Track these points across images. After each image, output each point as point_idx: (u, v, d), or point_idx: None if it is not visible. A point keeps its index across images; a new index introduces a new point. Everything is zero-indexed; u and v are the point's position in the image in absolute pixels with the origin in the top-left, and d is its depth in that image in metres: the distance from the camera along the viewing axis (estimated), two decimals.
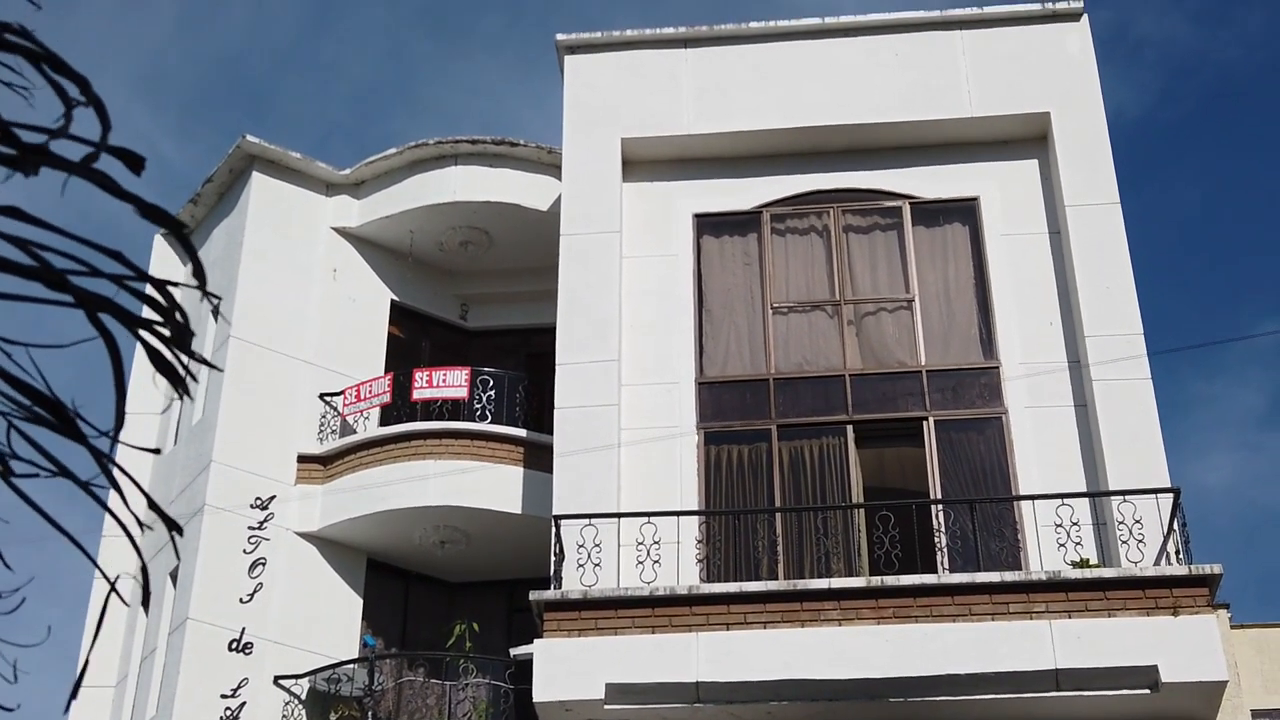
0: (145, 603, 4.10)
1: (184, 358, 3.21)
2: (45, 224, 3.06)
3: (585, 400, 16.86)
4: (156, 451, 3.68)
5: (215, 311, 3.91)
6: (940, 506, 16.26)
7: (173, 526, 3.36)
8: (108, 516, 3.36)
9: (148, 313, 3.20)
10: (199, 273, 3.33)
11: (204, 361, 3.29)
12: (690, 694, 14.68)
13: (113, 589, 3.25)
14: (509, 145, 20.71)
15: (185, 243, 3.33)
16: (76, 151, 3.12)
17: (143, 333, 3.13)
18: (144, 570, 3.38)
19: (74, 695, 3.51)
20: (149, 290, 3.24)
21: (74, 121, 3.10)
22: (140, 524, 3.47)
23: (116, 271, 3.12)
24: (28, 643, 3.40)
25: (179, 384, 3.23)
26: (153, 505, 3.33)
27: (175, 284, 3.22)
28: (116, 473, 3.13)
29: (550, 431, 17.18)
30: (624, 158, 18.55)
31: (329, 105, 49.31)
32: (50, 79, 3.13)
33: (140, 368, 16.06)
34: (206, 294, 3.35)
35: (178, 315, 3.19)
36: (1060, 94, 18.31)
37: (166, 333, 3.18)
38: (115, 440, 3.15)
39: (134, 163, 3.16)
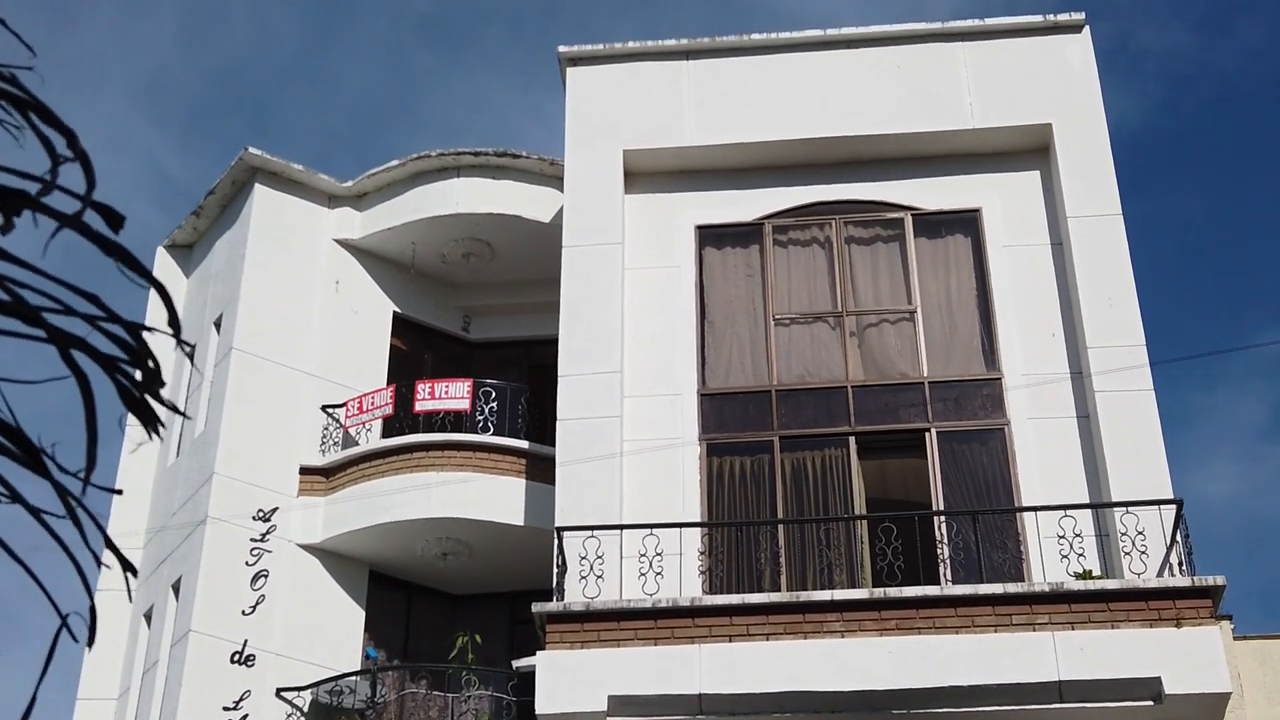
0: (90, 643, 4.10)
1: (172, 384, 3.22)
2: (23, 263, 3.06)
3: (587, 412, 16.86)
4: (119, 492, 3.69)
5: (191, 356, 3.91)
6: (943, 518, 16.25)
7: (127, 567, 3.37)
8: (108, 539, 3.36)
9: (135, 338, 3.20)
10: (174, 322, 3.33)
11: (173, 409, 3.30)
12: (693, 706, 14.67)
13: (64, 624, 3.25)
14: (511, 157, 20.71)
15: (164, 295, 3.32)
16: (62, 198, 3.12)
17: (117, 376, 3.14)
18: (92, 610, 3.36)
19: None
20: (149, 300, 3.25)
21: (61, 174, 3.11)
22: (98, 562, 3.47)
23: (93, 313, 3.12)
24: (25, 654, 3.39)
25: (150, 424, 3.23)
26: (110, 544, 3.33)
27: (150, 329, 3.23)
28: (81, 503, 3.14)
29: (552, 443, 17.18)
30: (626, 169, 18.56)
31: (331, 118, 49.33)
32: (37, 130, 3.12)
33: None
34: (181, 343, 3.35)
35: (150, 361, 3.20)
36: (1062, 105, 18.33)
37: (139, 374, 3.19)
38: (86, 482, 3.15)
39: (113, 220, 3.15)
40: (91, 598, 3.35)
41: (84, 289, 3.11)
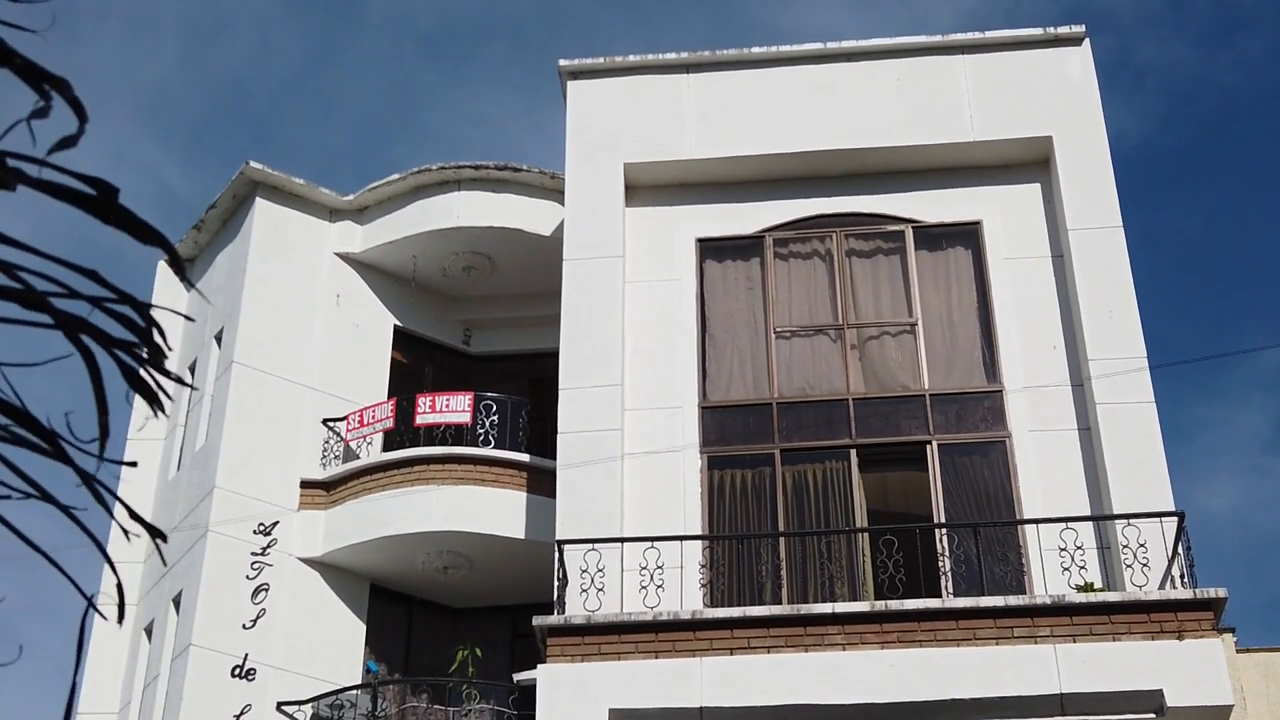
0: (120, 618, 4.14)
1: (173, 370, 3.21)
2: (19, 244, 3.06)
3: (588, 425, 16.86)
4: (133, 464, 3.67)
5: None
6: (944, 530, 16.23)
7: (156, 534, 3.34)
8: (113, 532, 3.34)
9: (127, 329, 3.18)
10: (177, 263, 3.31)
11: (180, 381, 3.28)
12: (694, 719, 14.64)
13: (90, 604, 3.23)
14: (512, 170, 20.73)
15: (168, 247, 3.29)
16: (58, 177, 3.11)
17: (118, 352, 3.12)
18: (119, 588, 3.35)
19: (67, 716, 3.48)
20: (157, 275, 3.24)
21: (58, 123, 3.10)
22: (126, 533, 3.43)
23: (94, 291, 3.11)
24: (14, 663, 3.38)
25: (155, 403, 3.21)
26: (134, 515, 3.30)
27: (151, 305, 3.21)
28: (99, 485, 3.12)
29: (553, 456, 17.17)
30: (626, 182, 18.57)
31: (332, 132, 49.44)
32: (25, 78, 3.11)
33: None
34: (189, 285, 3.35)
35: (155, 335, 3.18)
36: (1062, 118, 18.34)
37: (144, 354, 3.17)
38: (100, 456, 3.13)
39: (108, 194, 3.13)
40: (116, 574, 3.33)
41: (82, 266, 3.10)
